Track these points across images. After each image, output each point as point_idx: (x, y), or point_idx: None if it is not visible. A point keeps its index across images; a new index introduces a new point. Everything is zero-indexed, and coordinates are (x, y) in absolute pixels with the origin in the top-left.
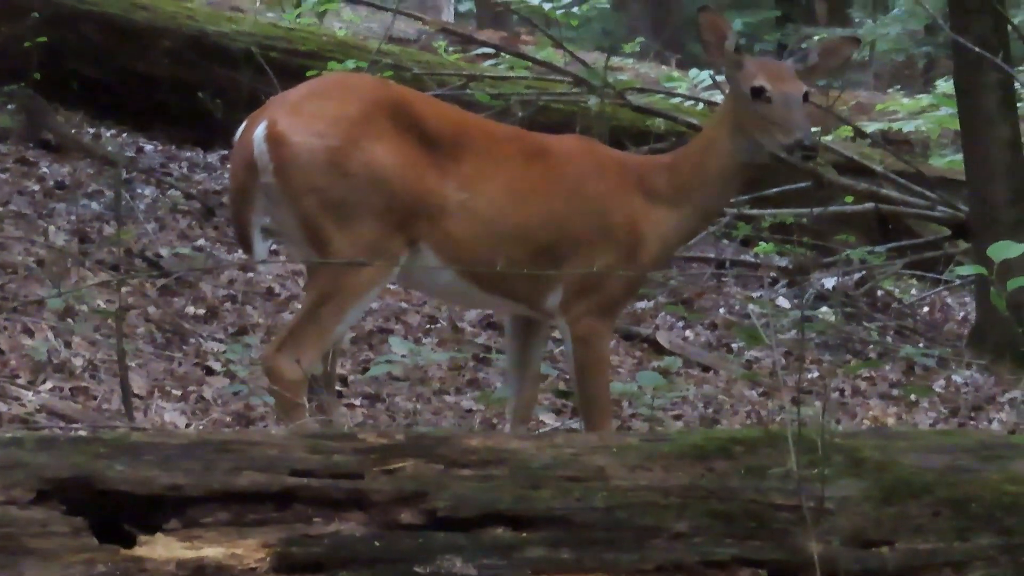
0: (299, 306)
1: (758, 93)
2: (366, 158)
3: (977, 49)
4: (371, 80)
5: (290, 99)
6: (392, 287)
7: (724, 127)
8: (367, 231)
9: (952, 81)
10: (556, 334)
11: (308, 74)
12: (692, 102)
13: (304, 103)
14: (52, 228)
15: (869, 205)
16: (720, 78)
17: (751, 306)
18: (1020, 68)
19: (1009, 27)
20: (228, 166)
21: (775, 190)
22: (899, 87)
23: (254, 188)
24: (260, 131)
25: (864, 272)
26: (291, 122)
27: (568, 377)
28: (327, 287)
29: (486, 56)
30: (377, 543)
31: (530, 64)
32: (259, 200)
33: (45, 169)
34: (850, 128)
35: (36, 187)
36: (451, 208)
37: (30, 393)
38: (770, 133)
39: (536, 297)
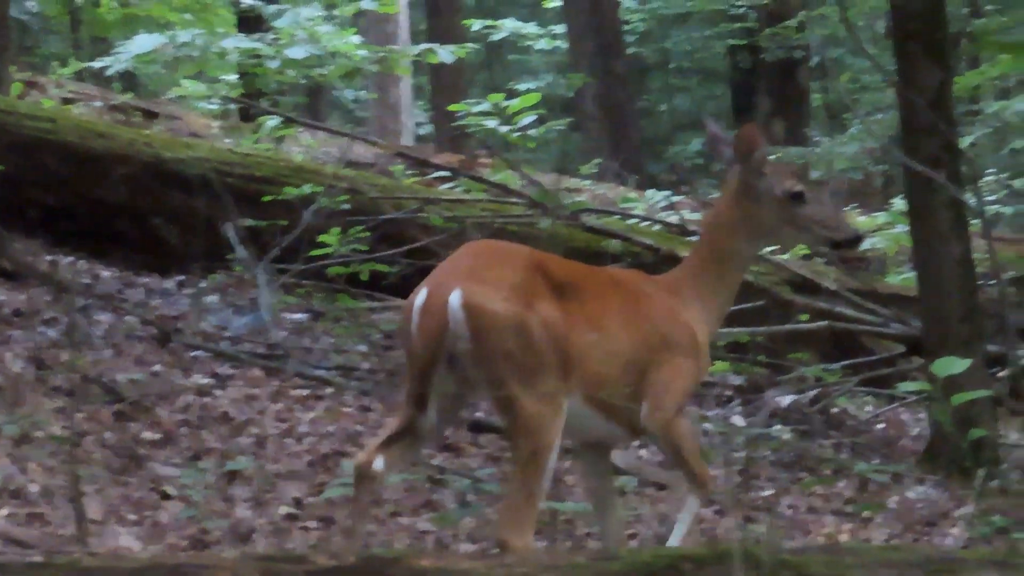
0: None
1: (799, 197)
2: (541, 318)
3: (921, 169)
4: (516, 245)
5: (465, 268)
6: (347, 410)
7: (743, 231)
8: (546, 386)
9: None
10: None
11: (264, 199)
12: (648, 223)
13: (482, 271)
14: (9, 355)
15: (823, 323)
16: (677, 199)
17: (705, 424)
18: (978, 185)
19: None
20: (406, 336)
21: (729, 309)
22: (856, 205)
23: (442, 354)
24: (456, 300)
25: (819, 390)
26: (483, 291)
27: None
28: (527, 451)
29: (443, 179)
30: None
31: (486, 187)
32: (442, 366)
33: (2, 297)
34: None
35: None
36: (587, 350)
37: None
38: (812, 231)
39: (635, 416)
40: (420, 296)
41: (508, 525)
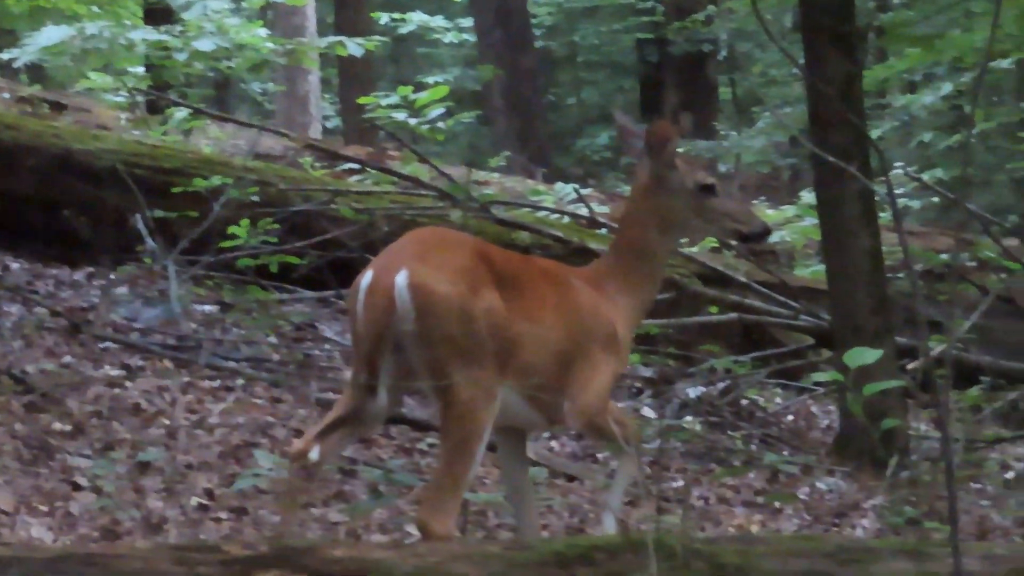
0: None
1: (710, 189)
2: (484, 305)
3: (831, 159)
4: (461, 232)
5: (412, 251)
6: (258, 401)
7: (654, 223)
8: (483, 373)
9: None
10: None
11: (173, 191)
12: (558, 215)
13: (429, 255)
14: None
15: (733, 315)
16: (586, 191)
17: None
18: (888, 177)
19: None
20: (352, 317)
21: (652, 304)
22: (764, 198)
23: (389, 335)
24: (402, 280)
25: (729, 381)
26: (429, 272)
27: None
28: (457, 436)
29: (352, 171)
30: None
31: (395, 179)
32: (389, 347)
33: None
34: (716, 239)
35: None
36: (523, 340)
37: None
38: (721, 223)
39: (557, 407)
40: (366, 277)
41: (430, 508)
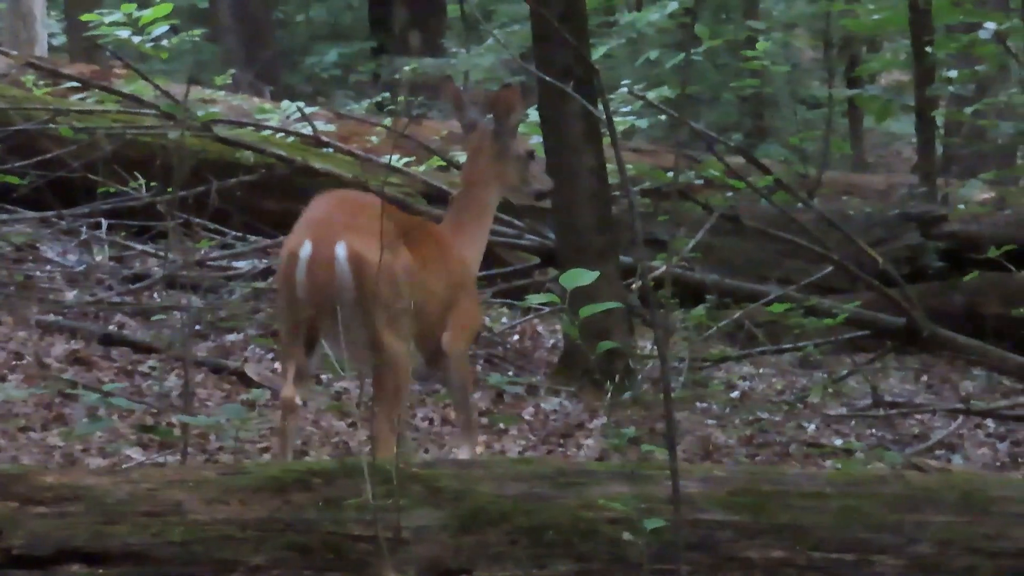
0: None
1: (532, 155)
2: (401, 265)
3: (550, 80)
4: (366, 194)
5: (340, 219)
6: None
7: (495, 183)
8: (403, 327)
9: None
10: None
11: None
12: (282, 134)
13: (357, 223)
14: None
15: None
16: (313, 110)
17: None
18: (612, 96)
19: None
20: (291, 283)
21: None
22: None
23: (332, 303)
24: (342, 252)
25: None
26: (363, 242)
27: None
28: (391, 385)
29: (76, 90)
30: None
31: (119, 98)
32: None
33: None
34: (441, 158)
35: None
36: (424, 292)
37: None
38: (531, 185)
39: (437, 351)
40: (305, 248)
41: (382, 436)
